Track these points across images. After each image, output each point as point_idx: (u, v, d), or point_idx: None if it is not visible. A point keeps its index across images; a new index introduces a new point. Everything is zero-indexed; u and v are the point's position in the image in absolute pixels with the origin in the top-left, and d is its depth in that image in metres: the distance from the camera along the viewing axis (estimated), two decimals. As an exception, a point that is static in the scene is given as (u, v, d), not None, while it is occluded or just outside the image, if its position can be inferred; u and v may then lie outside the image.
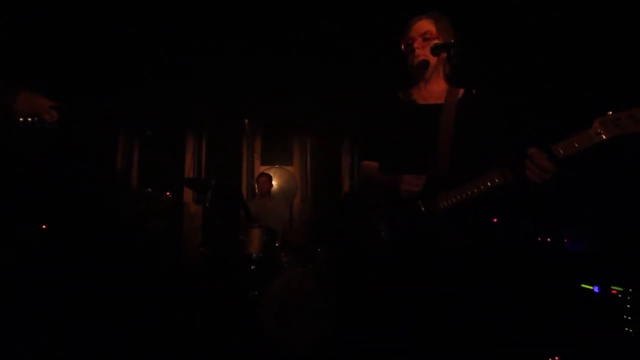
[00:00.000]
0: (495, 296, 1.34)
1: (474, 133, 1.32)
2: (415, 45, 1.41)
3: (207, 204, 3.10)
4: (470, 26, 1.90)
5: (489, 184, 1.21)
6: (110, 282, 2.98)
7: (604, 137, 1.08)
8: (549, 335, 2.21)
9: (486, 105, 1.36)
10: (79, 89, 3.38)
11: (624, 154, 2.28)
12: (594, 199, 2.73)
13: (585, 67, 2.92)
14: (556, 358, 2.10)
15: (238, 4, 3.32)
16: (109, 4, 3.18)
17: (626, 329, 2.09)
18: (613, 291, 2.21)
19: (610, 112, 1.08)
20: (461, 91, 1.43)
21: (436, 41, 1.38)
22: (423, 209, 1.29)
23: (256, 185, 4.25)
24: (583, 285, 2.36)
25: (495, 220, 1.77)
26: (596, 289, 2.30)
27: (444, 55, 1.41)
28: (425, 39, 1.40)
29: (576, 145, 1.10)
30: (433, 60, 1.40)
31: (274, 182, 4.60)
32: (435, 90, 1.45)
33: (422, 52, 1.40)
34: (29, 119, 1.23)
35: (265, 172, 4.46)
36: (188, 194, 4.85)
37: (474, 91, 1.40)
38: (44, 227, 2.93)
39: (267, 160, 5.17)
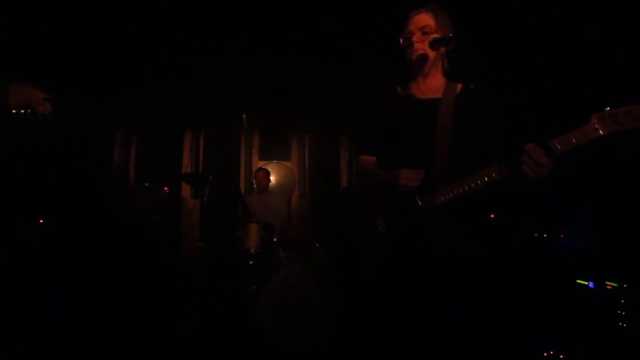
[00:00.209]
0: (491, 292, 1.35)
1: (472, 128, 1.32)
2: (414, 39, 1.40)
3: (205, 200, 3.10)
4: (469, 21, 1.89)
5: (486, 179, 1.21)
6: (108, 278, 2.98)
7: (601, 132, 1.08)
8: (545, 331, 2.23)
9: (484, 100, 1.36)
10: (78, 86, 3.36)
11: (620, 150, 2.29)
12: (591, 195, 2.74)
13: (583, 64, 2.92)
14: (552, 352, 2.12)
15: (237, 3, 3.30)
16: (110, 3, 3.16)
17: (620, 324, 2.11)
18: (608, 287, 2.22)
19: (608, 108, 1.08)
20: (459, 86, 1.42)
21: (435, 35, 1.38)
22: (420, 203, 1.29)
23: (254, 181, 4.25)
24: (578, 281, 2.37)
25: (492, 215, 1.78)
26: (591, 285, 2.31)
27: (443, 49, 1.40)
28: (424, 33, 1.39)
29: (573, 140, 1.10)
30: (432, 54, 1.40)
31: (272, 178, 4.60)
32: (433, 84, 1.44)
33: (421, 46, 1.39)
34: (22, 111, 1.22)
35: (263, 167, 4.46)
36: (186, 190, 4.84)
37: (472, 86, 1.40)
38: (41, 221, 2.92)
39: (265, 156, 5.16)
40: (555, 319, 2.27)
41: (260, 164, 4.99)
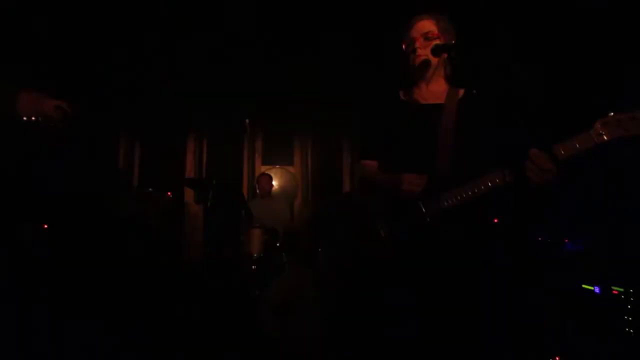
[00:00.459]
0: (495, 296, 1.34)
1: (475, 134, 1.32)
2: (417, 45, 1.41)
3: (208, 204, 3.11)
4: (471, 26, 1.90)
5: (489, 184, 1.21)
6: (111, 282, 2.99)
7: (605, 138, 1.08)
8: (550, 336, 2.21)
9: (487, 105, 1.37)
10: (82, 92, 3.39)
11: (625, 155, 2.28)
12: (595, 199, 2.72)
13: (587, 68, 2.92)
14: (557, 358, 2.10)
15: (239, 9, 3.33)
16: (111, 4, 3.19)
17: (627, 329, 2.09)
18: (614, 292, 2.20)
19: (612, 113, 1.08)
20: (461, 91, 1.43)
21: (437, 41, 1.38)
22: (423, 209, 1.29)
23: (257, 186, 4.25)
24: (584, 286, 2.35)
25: (495, 220, 1.77)
26: (597, 290, 2.29)
27: (445, 55, 1.41)
28: (427, 39, 1.40)
29: (577, 146, 1.10)
30: (434, 60, 1.40)
31: (274, 183, 4.61)
32: (436, 90, 1.45)
33: (424, 52, 1.40)
34: (33, 118, 1.24)
35: (266, 172, 4.47)
36: (189, 194, 4.85)
37: (474, 91, 1.41)
38: (45, 226, 2.93)
39: (268, 161, 5.17)
40: (560, 324, 2.25)
41: (264, 169, 5.00)
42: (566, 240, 2.64)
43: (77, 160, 3.40)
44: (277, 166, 5.15)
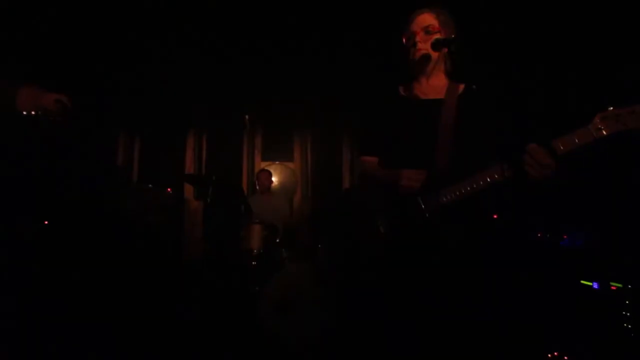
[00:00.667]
0: (494, 292, 1.34)
1: (474, 129, 1.31)
2: (417, 39, 1.40)
3: (208, 200, 3.11)
4: (472, 21, 1.89)
5: (488, 179, 1.21)
6: (110, 279, 2.99)
7: (604, 133, 1.07)
8: (549, 332, 2.22)
9: (486, 101, 1.36)
10: (82, 87, 3.38)
11: (624, 149, 2.27)
12: (594, 195, 2.72)
13: (587, 63, 2.91)
14: (556, 354, 2.11)
15: (238, 4, 3.31)
16: (112, 3, 3.18)
17: (625, 325, 2.10)
18: (612, 287, 2.21)
19: (612, 108, 1.08)
20: (461, 86, 1.42)
21: (438, 36, 1.38)
22: (422, 204, 1.29)
23: (257, 182, 4.25)
24: (582, 282, 2.36)
25: (495, 216, 1.77)
26: (595, 285, 2.30)
27: (445, 50, 1.40)
28: (428, 33, 1.39)
29: (576, 140, 1.09)
30: (434, 54, 1.40)
31: (274, 179, 4.60)
32: (436, 85, 1.44)
33: (424, 46, 1.39)
34: (33, 112, 1.24)
35: (265, 168, 4.47)
36: (189, 190, 4.85)
37: (474, 86, 1.40)
38: (45, 223, 2.93)
39: (268, 157, 5.17)
40: (559, 320, 2.26)
41: (263, 165, 5.00)
42: (565, 236, 2.65)
43: (77, 156, 3.39)
44: (277, 162, 5.15)
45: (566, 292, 2.37)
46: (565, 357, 2.09)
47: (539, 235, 2.70)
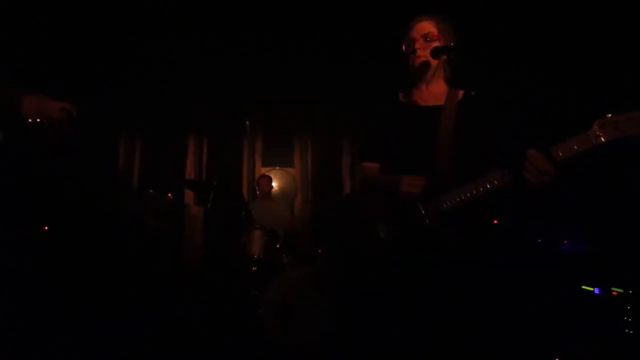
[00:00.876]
0: (495, 298, 1.34)
1: (474, 135, 1.32)
2: (417, 45, 1.42)
3: (209, 205, 3.11)
4: (471, 27, 1.91)
5: (488, 185, 1.21)
6: (111, 283, 2.99)
7: (602, 139, 1.08)
8: (550, 337, 2.21)
9: (486, 107, 1.37)
10: (82, 91, 3.40)
11: (623, 155, 2.28)
12: (594, 200, 2.73)
13: (585, 69, 2.92)
14: (557, 359, 2.10)
15: (240, 6, 3.34)
16: (112, 5, 3.20)
17: (627, 330, 2.09)
18: (614, 293, 2.21)
19: (610, 115, 1.09)
20: (461, 93, 1.43)
21: (437, 43, 1.39)
22: (423, 210, 1.29)
23: (257, 187, 4.26)
24: (584, 287, 2.35)
25: (495, 221, 1.77)
26: (597, 291, 2.29)
27: (444, 57, 1.41)
28: (427, 40, 1.41)
29: (575, 147, 1.10)
30: (434, 62, 1.41)
31: (274, 184, 4.61)
32: (435, 91, 1.45)
33: (424, 52, 1.40)
34: (38, 120, 1.25)
35: (266, 173, 4.47)
36: (189, 196, 4.85)
37: (473, 93, 1.41)
38: (45, 228, 2.94)
39: (268, 162, 5.17)
40: (560, 325, 2.25)
41: (263, 170, 5.01)
42: (565, 242, 2.65)
43: (78, 161, 3.40)
44: (277, 167, 5.15)
45: (567, 297, 2.37)
46: (567, 363, 2.08)
47: (539, 240, 2.70)
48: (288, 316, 2.63)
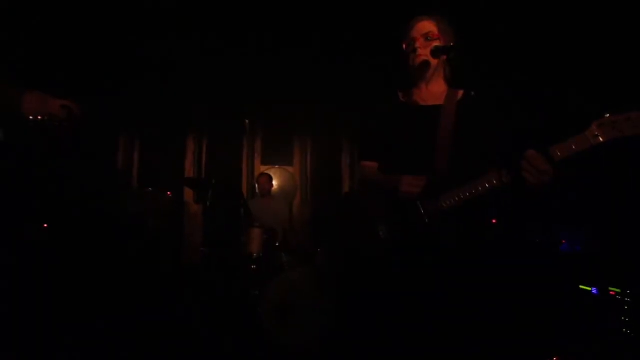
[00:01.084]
0: (493, 298, 1.35)
1: (473, 135, 1.33)
2: (417, 45, 1.42)
3: (208, 204, 3.11)
4: (471, 27, 1.91)
5: (487, 185, 1.22)
6: (110, 282, 2.99)
7: (601, 139, 1.08)
8: (548, 337, 2.22)
9: (485, 107, 1.38)
10: (81, 90, 3.39)
11: (622, 155, 2.29)
12: (593, 200, 2.74)
13: (584, 70, 2.93)
14: (555, 359, 2.11)
15: (239, 8, 3.34)
16: (112, 5, 3.20)
17: (624, 330, 2.10)
18: (611, 292, 2.21)
19: (608, 115, 1.09)
20: (460, 93, 1.44)
21: (437, 43, 1.39)
22: (422, 210, 1.30)
23: (257, 186, 4.26)
24: (581, 287, 2.36)
25: (494, 221, 1.78)
26: (594, 291, 2.30)
27: (444, 57, 1.42)
28: (427, 40, 1.41)
29: (574, 147, 1.11)
30: (434, 61, 1.41)
31: (274, 183, 4.61)
32: (435, 91, 1.46)
33: (424, 52, 1.41)
34: (39, 118, 1.25)
35: (265, 172, 4.47)
36: (189, 194, 4.85)
37: (473, 93, 1.42)
38: (45, 226, 2.94)
39: (268, 160, 5.18)
40: (558, 325, 2.26)
41: (263, 169, 5.01)
42: (563, 241, 2.66)
43: (77, 160, 3.40)
44: (277, 166, 5.16)
45: (565, 297, 2.38)
46: (565, 362, 2.09)
47: (537, 240, 2.71)
48: (287, 315, 2.63)
